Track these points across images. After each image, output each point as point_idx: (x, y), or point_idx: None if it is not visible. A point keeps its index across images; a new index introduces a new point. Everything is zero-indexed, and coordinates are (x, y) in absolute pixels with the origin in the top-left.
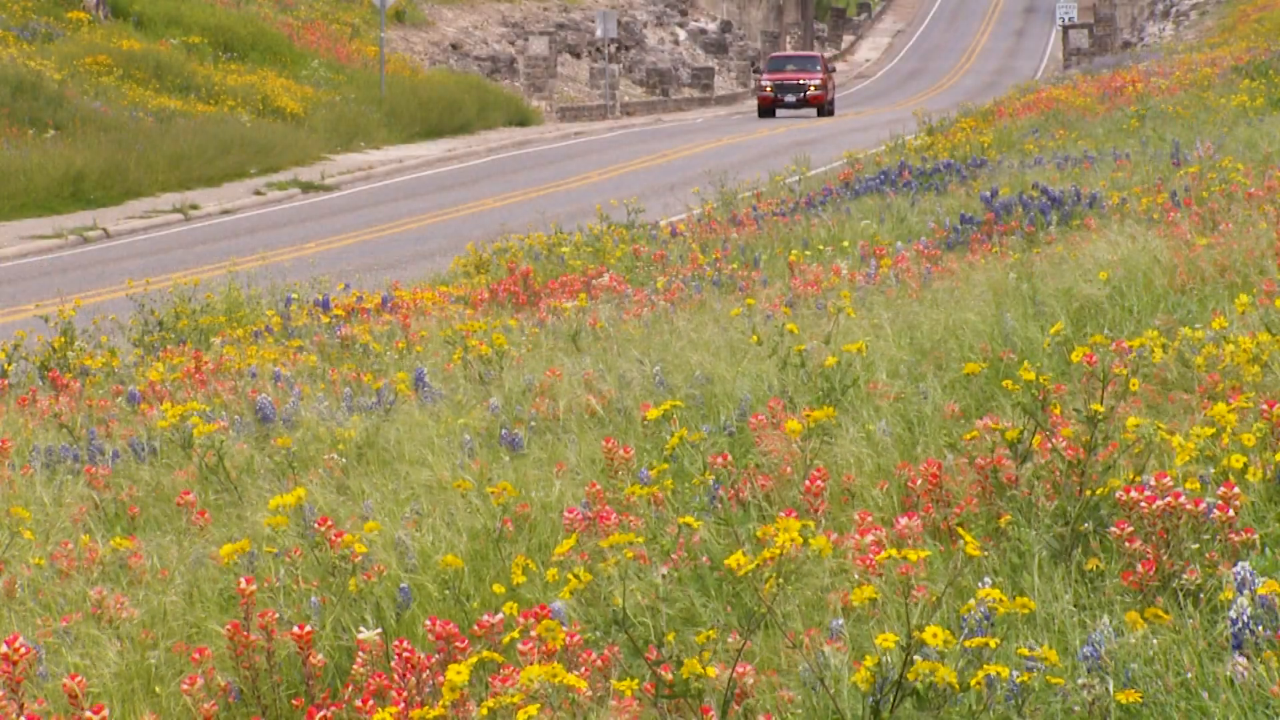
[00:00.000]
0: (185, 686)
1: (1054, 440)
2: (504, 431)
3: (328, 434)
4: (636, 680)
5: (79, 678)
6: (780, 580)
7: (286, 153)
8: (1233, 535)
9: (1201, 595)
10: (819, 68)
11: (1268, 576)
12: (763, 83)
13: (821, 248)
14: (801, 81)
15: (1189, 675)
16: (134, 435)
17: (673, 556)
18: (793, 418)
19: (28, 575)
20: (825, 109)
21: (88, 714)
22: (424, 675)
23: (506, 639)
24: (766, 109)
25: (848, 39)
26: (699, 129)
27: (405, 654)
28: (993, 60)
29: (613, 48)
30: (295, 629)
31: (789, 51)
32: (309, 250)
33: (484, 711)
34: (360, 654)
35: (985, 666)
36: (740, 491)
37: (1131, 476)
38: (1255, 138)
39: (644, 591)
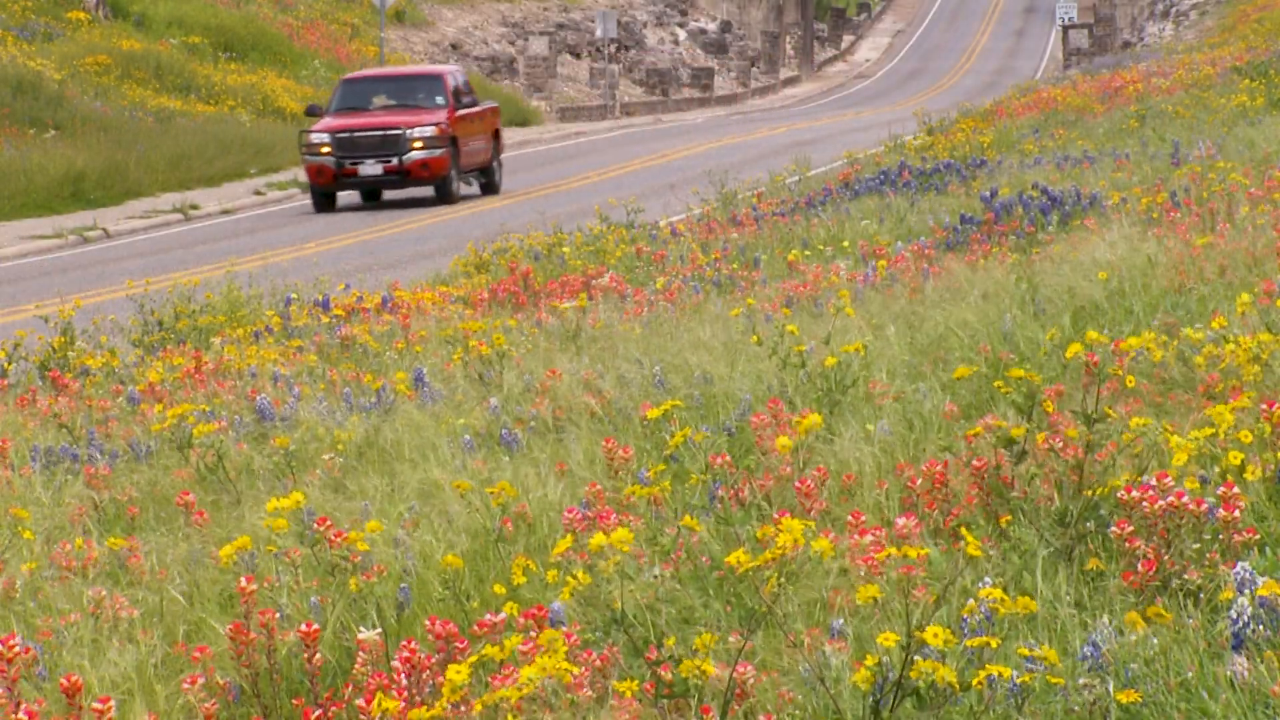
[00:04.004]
0: (186, 685)
1: (1053, 440)
2: (504, 432)
3: (327, 434)
4: (636, 681)
5: (75, 676)
6: (781, 580)
7: (286, 153)
8: (1233, 535)
9: (1201, 595)
10: (441, 100)
11: (1268, 576)
12: (313, 138)
13: (821, 248)
14: (390, 134)
15: (1189, 675)
16: (133, 435)
17: (673, 556)
18: (795, 419)
19: (27, 575)
20: (447, 188)
21: (94, 705)
22: (424, 675)
23: (508, 643)
24: (323, 194)
25: (848, 39)
26: (699, 129)
27: (405, 654)
28: (993, 60)
29: (612, 48)
30: (302, 627)
31: (380, 70)
32: (309, 250)
33: (479, 707)
34: (360, 654)
35: (986, 666)
36: (740, 492)
37: (1132, 476)
38: (1255, 138)
39: (644, 591)
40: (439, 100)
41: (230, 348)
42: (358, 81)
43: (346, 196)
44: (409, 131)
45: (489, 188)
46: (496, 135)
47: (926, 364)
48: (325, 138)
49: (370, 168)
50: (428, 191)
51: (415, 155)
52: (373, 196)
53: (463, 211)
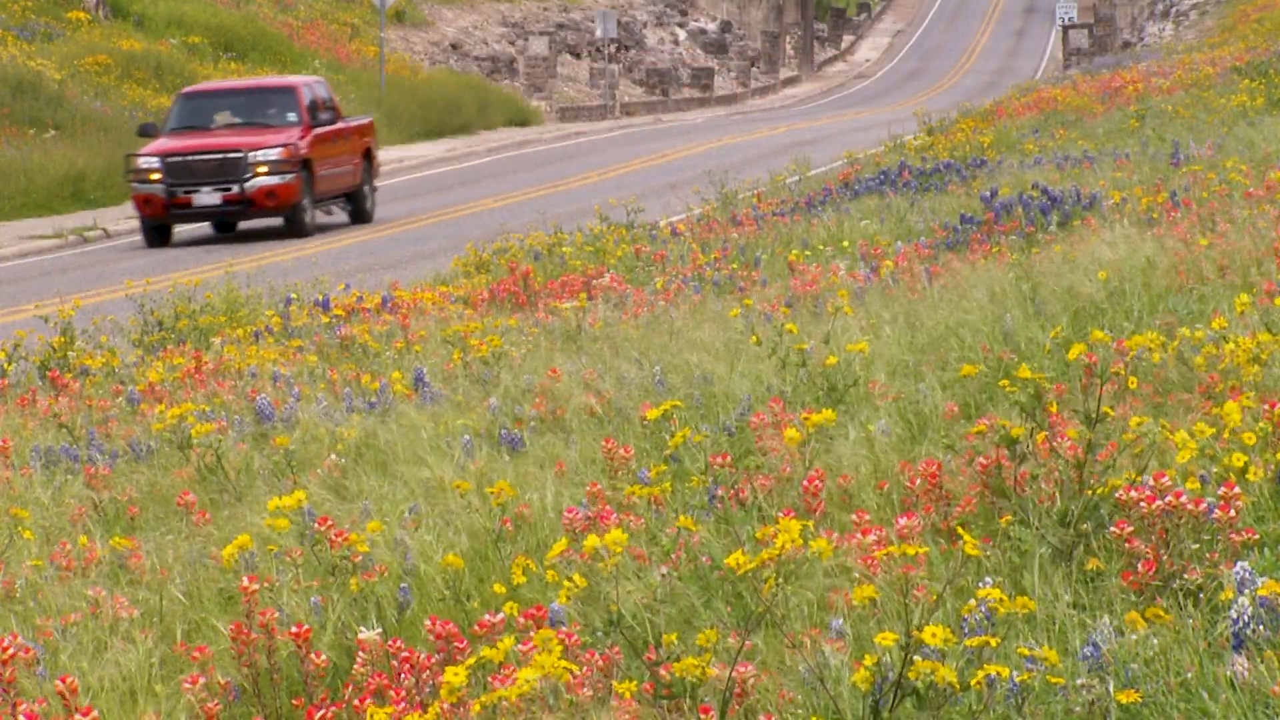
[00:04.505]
0: (187, 685)
1: (1054, 440)
2: (503, 432)
3: (327, 434)
4: (636, 681)
5: (70, 678)
6: (780, 580)
7: None
8: (1233, 535)
9: (1201, 595)
10: (293, 116)
11: (1268, 576)
12: (141, 162)
13: (821, 248)
14: (230, 158)
15: (1189, 675)
16: (133, 435)
17: (672, 556)
18: (792, 423)
19: (27, 575)
20: (298, 218)
21: (76, 717)
22: (424, 675)
23: (503, 643)
24: (154, 228)
25: (848, 39)
26: (699, 129)
27: (405, 654)
28: (993, 60)
29: (612, 48)
30: (294, 628)
31: (225, 82)
32: (309, 250)
33: (477, 708)
34: (360, 654)
35: (985, 666)
36: (740, 492)
37: (1132, 476)
38: (1255, 138)
39: (643, 592)
40: (290, 117)
41: (230, 348)
42: (198, 96)
43: (193, 229)
44: (251, 154)
45: (359, 216)
46: (368, 156)
47: (927, 364)
48: (154, 162)
49: (206, 197)
50: (278, 222)
51: (260, 182)
52: (227, 227)
53: (463, 211)
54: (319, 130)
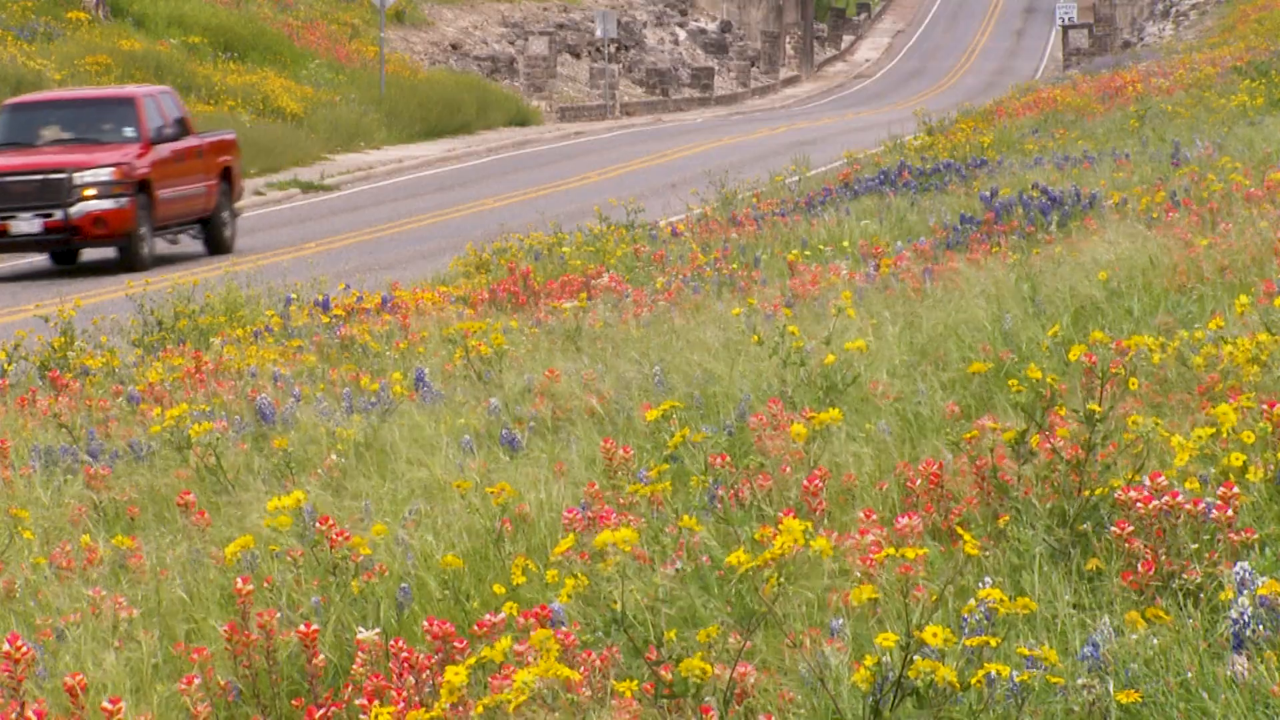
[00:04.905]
0: (182, 686)
1: (1053, 440)
2: (503, 432)
3: (327, 434)
4: (636, 681)
5: (80, 676)
6: (781, 580)
7: (286, 153)
8: (1233, 535)
9: (1201, 595)
10: (130, 132)
11: (1268, 576)
12: None
13: (821, 248)
14: (52, 179)
15: (1189, 675)
16: (133, 436)
17: (673, 556)
18: (794, 419)
19: (27, 575)
20: (133, 249)
21: (105, 704)
22: (423, 675)
23: (504, 643)
24: None
25: (848, 39)
26: (699, 129)
27: (404, 654)
28: (993, 60)
29: (612, 48)
30: (301, 627)
31: (57, 92)
32: (309, 250)
33: (479, 710)
34: (360, 654)
35: (985, 666)
36: (740, 492)
37: (1131, 476)
38: (1255, 138)
39: (644, 591)
40: (128, 133)
41: (230, 348)
42: (25, 108)
43: (17, 260)
44: (78, 175)
45: (215, 245)
46: (228, 176)
47: (927, 364)
48: None
49: (25, 224)
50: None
51: (87, 207)
52: (68, 257)
53: (463, 211)
54: (163, 147)
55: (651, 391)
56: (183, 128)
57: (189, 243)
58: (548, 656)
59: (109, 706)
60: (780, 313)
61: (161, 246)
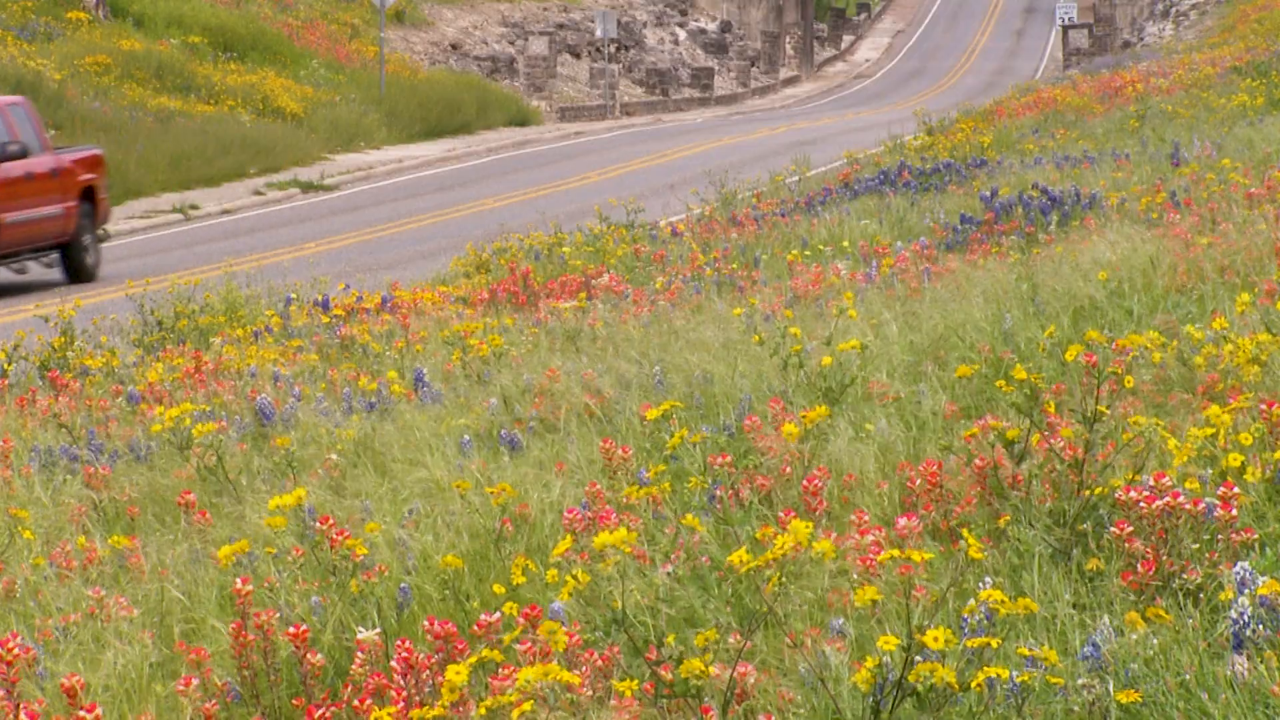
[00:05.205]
0: (181, 687)
1: (1052, 440)
2: (503, 432)
3: (327, 434)
4: (636, 681)
5: (77, 676)
6: (782, 580)
7: (286, 153)
8: (1233, 535)
9: (1201, 595)
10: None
11: (1268, 576)
12: None
13: (821, 248)
14: None
15: (1189, 675)
16: (133, 436)
17: (672, 556)
18: (792, 421)
19: (26, 576)
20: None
21: (81, 713)
22: (423, 675)
23: (507, 639)
24: None
25: (847, 39)
26: (699, 129)
27: (404, 654)
28: (993, 60)
29: (612, 48)
30: (291, 629)
31: None
32: (309, 250)
33: (482, 711)
34: (359, 654)
35: (985, 667)
36: (740, 492)
37: (1131, 476)
38: (1255, 138)
39: (644, 591)
40: None
41: (230, 348)
42: None
43: None
44: None
45: (77, 273)
46: (91, 197)
47: (927, 364)
48: None
49: None
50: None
51: None
52: None
53: (463, 211)
54: (7, 165)
55: (651, 391)
56: (27, 144)
57: (40, 271)
58: (555, 644)
59: (84, 715)
60: (780, 313)
61: (4, 275)
